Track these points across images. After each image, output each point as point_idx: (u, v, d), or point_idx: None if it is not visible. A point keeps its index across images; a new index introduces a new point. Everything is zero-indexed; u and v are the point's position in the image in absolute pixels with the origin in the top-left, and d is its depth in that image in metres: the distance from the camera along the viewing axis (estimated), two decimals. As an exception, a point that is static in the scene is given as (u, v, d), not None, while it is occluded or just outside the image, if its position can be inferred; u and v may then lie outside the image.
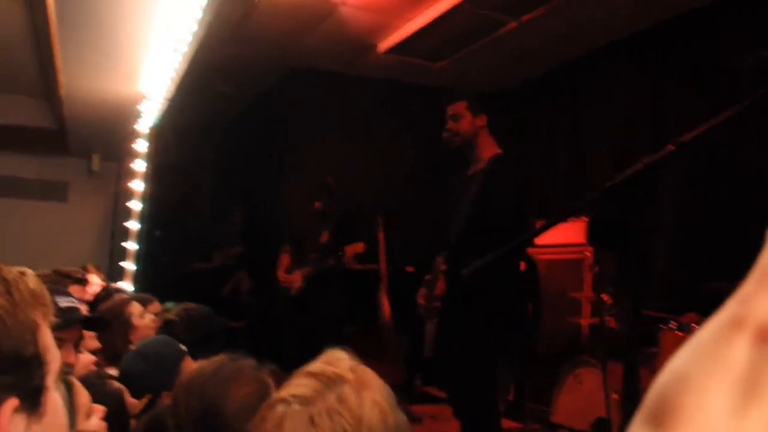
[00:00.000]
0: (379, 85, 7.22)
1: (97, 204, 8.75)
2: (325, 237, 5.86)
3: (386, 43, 6.33)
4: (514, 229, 3.41)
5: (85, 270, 5.04)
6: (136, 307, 3.45)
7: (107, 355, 2.91)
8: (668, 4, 5.39)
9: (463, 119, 3.60)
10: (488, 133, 3.65)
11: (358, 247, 5.73)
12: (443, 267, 3.55)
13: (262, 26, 6.11)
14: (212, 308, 6.95)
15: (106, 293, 4.78)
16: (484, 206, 3.43)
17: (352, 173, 6.91)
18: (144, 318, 3.44)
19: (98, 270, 5.11)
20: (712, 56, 5.27)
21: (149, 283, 6.09)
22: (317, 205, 5.93)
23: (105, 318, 2.81)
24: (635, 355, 1.90)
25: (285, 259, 6.11)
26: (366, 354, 4.43)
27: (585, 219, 5.52)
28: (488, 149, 3.62)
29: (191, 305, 3.39)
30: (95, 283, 5.17)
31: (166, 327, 3.25)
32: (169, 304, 4.44)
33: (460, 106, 3.63)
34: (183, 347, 2.56)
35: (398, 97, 7.25)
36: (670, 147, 1.71)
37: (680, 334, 4.11)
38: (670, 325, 4.18)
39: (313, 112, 7.17)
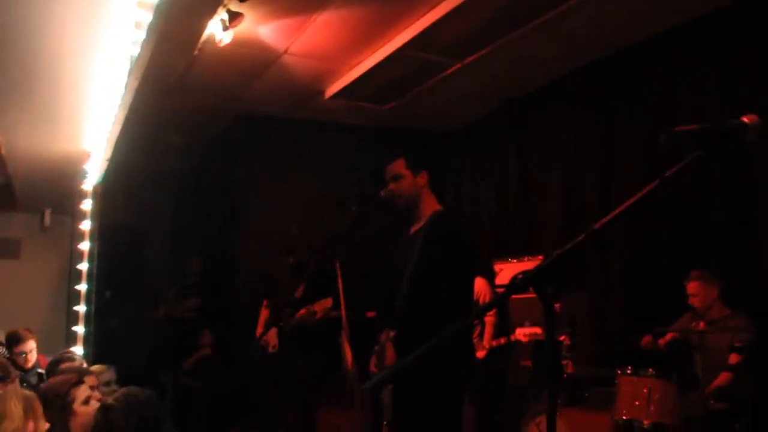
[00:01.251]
0: (329, 128, 7.17)
1: (52, 262, 8.51)
2: (299, 291, 5.68)
3: (333, 89, 6.30)
4: (457, 288, 3.34)
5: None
6: (82, 392, 3.31)
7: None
8: (611, 39, 5.43)
9: (404, 180, 3.49)
10: (430, 191, 3.57)
11: (327, 302, 5.56)
12: (391, 334, 3.46)
13: (206, 76, 6.05)
14: (170, 361, 6.77)
15: (52, 366, 4.63)
16: (425, 268, 3.34)
17: (308, 219, 6.82)
18: (89, 405, 3.30)
19: (31, 333, 5.01)
20: (658, 86, 5.31)
21: (100, 346, 5.91)
22: (290, 259, 5.74)
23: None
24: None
25: (263, 315, 5.90)
26: (332, 404, 4.27)
27: (540, 257, 5.50)
28: (429, 206, 3.53)
29: (134, 390, 3.24)
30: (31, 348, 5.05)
31: (103, 412, 3.11)
32: (107, 369, 4.28)
33: (399, 166, 3.52)
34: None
35: (349, 140, 7.21)
36: (583, 235, 1.69)
37: (635, 378, 4.08)
38: (627, 370, 4.15)
39: (264, 158, 7.10)
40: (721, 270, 4.49)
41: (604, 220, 1.68)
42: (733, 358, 4.05)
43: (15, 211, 8.56)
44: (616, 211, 1.69)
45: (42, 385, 4.08)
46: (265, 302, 5.86)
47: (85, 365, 4.69)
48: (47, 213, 8.66)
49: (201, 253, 7.66)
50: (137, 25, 3.28)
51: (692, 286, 4.42)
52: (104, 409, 3.04)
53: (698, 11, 4.89)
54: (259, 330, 5.73)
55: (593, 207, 5.64)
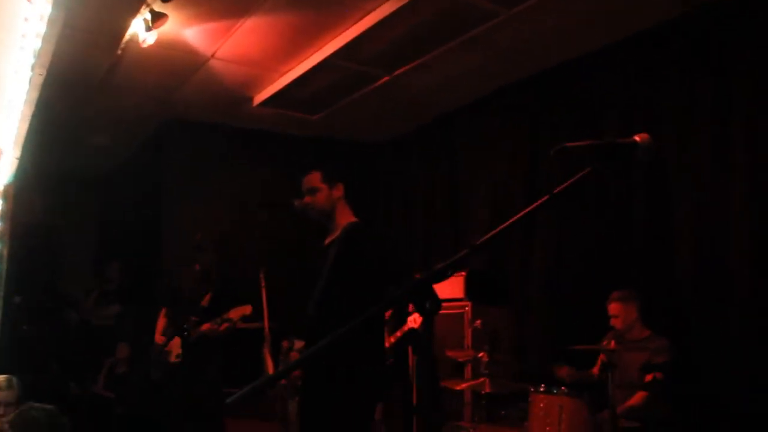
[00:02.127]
0: (258, 136, 7.07)
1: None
2: (206, 300, 5.49)
3: (261, 96, 6.20)
4: (368, 301, 3.27)
5: None
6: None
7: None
8: (540, 56, 5.47)
9: (320, 193, 3.46)
10: (345, 203, 3.53)
11: (246, 309, 5.35)
12: (298, 345, 3.39)
13: (133, 78, 5.88)
14: (85, 370, 6.50)
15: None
16: (336, 279, 3.29)
17: (233, 228, 6.70)
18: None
19: None
20: (586, 103, 5.37)
21: (6, 354, 5.62)
22: (197, 266, 5.54)
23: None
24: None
25: (162, 323, 5.68)
26: (252, 416, 4.12)
27: (463, 274, 5.48)
28: (344, 218, 3.49)
29: (35, 408, 3.05)
30: None
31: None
32: (9, 380, 4.02)
33: (315, 179, 3.49)
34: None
35: (279, 148, 7.13)
36: (465, 250, 1.64)
37: (547, 396, 4.08)
38: (540, 387, 4.14)
39: (193, 163, 6.94)
40: (640, 290, 4.52)
41: (486, 237, 1.64)
42: (648, 378, 4.09)
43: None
44: (499, 228, 1.66)
45: None
46: (163, 310, 5.64)
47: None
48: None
49: (124, 259, 7.42)
50: (41, 18, 3.14)
51: (613, 308, 4.44)
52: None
53: (625, 31, 4.96)
54: (158, 338, 5.51)
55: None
